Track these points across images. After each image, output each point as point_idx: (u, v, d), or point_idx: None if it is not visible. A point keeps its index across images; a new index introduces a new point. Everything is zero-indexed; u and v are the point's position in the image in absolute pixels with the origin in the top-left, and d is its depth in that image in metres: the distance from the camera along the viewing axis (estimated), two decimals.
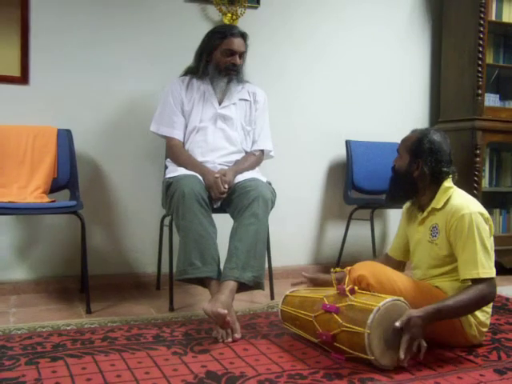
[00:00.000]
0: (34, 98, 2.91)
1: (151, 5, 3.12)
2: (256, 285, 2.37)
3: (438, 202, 2.10)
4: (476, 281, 1.94)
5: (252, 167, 2.74)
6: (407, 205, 2.31)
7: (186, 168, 2.61)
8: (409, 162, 2.14)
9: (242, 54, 2.72)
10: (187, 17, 3.18)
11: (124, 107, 3.08)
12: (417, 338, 1.82)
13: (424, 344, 1.82)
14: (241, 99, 2.80)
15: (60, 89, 2.95)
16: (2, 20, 2.84)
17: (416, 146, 2.13)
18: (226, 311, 2.10)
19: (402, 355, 1.79)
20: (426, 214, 2.14)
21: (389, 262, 2.36)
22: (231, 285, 2.28)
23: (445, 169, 2.11)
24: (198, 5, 3.21)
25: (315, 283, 2.34)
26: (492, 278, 1.95)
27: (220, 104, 2.76)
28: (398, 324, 1.81)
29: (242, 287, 2.34)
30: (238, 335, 2.15)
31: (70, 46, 2.97)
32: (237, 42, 2.68)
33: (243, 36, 2.72)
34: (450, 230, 2.03)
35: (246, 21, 3.24)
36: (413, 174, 2.14)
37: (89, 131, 3.01)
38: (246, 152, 2.80)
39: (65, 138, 2.87)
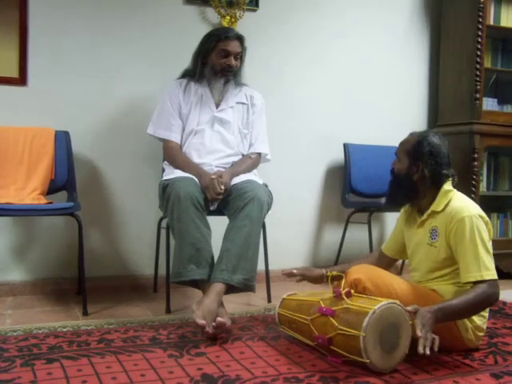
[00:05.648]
0: (32, 99, 2.91)
1: (150, 7, 3.12)
2: (246, 287, 2.37)
3: (438, 205, 2.09)
4: (478, 283, 1.93)
5: (248, 170, 2.74)
6: (406, 206, 2.31)
7: (183, 170, 2.61)
8: (408, 164, 2.13)
9: (237, 56, 2.72)
10: (186, 19, 3.18)
11: (122, 109, 3.08)
12: (427, 327, 1.77)
13: (435, 336, 1.77)
14: (238, 102, 2.81)
15: (58, 90, 2.95)
16: (1, 22, 2.84)
17: (415, 148, 2.12)
18: (204, 322, 2.10)
19: (420, 346, 1.72)
20: (425, 216, 2.13)
21: (382, 259, 2.38)
22: (218, 287, 2.28)
23: (445, 171, 2.11)
24: (196, 7, 3.21)
25: (307, 277, 2.36)
26: (495, 280, 1.95)
27: (217, 107, 2.76)
28: (409, 308, 1.82)
29: (232, 289, 2.34)
30: (221, 319, 2.14)
31: (68, 47, 2.97)
32: (232, 44, 2.68)
33: (239, 38, 2.72)
34: (449, 232, 2.02)
35: (245, 23, 3.25)
36: (413, 177, 2.13)
37: (87, 133, 3.01)
38: (243, 155, 2.80)
39: (63, 140, 2.87)
